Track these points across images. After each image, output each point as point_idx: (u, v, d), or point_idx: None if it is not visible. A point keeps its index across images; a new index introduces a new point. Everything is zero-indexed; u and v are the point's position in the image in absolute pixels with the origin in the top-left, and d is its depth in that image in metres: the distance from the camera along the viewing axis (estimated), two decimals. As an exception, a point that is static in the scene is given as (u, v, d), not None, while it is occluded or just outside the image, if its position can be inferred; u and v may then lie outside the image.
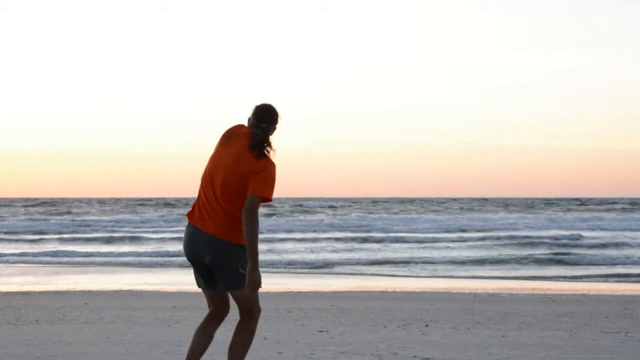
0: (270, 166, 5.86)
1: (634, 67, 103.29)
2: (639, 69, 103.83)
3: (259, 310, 6.03)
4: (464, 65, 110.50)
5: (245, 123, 6.03)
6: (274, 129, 5.98)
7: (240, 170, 5.83)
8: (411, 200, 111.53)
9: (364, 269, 25.53)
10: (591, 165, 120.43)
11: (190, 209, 6.07)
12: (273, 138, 5.97)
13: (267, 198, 5.84)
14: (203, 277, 6.00)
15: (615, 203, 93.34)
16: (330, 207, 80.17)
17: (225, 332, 10.48)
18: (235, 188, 5.83)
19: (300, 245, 33.62)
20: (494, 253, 30.79)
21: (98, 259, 28.78)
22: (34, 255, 30.19)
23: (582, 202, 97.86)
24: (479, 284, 20.54)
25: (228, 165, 5.87)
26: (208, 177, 5.93)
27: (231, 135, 5.96)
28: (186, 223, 6.08)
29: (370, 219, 52.83)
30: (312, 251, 31.43)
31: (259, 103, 6.02)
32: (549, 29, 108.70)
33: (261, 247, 31.26)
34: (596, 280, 22.10)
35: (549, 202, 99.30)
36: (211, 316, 6.09)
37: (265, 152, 5.90)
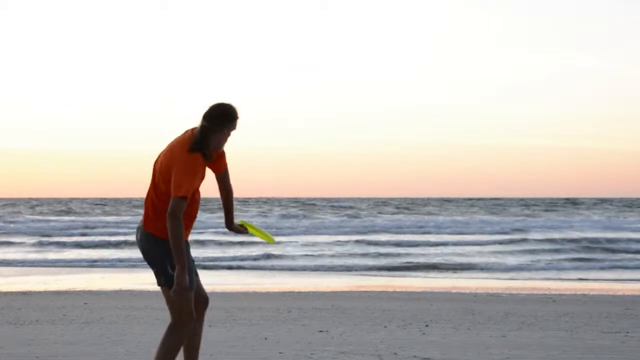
0: (180, 162, 5.73)
1: (634, 67, 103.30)
2: (639, 69, 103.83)
3: (189, 315, 5.93)
4: (463, 65, 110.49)
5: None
6: (218, 128, 5.82)
7: (163, 166, 5.82)
8: (412, 201, 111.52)
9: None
10: (591, 165, 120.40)
11: None
12: (223, 138, 5.84)
13: (180, 196, 5.68)
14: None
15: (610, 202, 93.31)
16: (342, 207, 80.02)
17: (225, 332, 10.50)
18: (160, 183, 5.83)
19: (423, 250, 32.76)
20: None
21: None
22: (36, 261, 30.11)
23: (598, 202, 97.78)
24: (479, 284, 20.53)
25: (158, 159, 5.91)
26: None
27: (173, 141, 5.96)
28: None
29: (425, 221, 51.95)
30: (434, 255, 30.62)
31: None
32: (549, 29, 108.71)
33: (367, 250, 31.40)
34: None
35: (551, 202, 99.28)
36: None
37: (198, 149, 5.78)
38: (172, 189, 5.70)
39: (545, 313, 13.18)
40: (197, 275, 6.02)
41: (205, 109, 5.89)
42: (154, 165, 5.95)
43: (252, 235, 6.26)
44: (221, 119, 5.83)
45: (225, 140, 5.89)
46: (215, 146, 5.86)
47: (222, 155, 6.02)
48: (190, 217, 5.91)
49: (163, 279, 5.90)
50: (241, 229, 6.20)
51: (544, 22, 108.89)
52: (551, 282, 21.55)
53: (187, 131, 5.93)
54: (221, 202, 6.24)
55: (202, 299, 6.08)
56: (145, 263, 6.06)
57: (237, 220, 6.27)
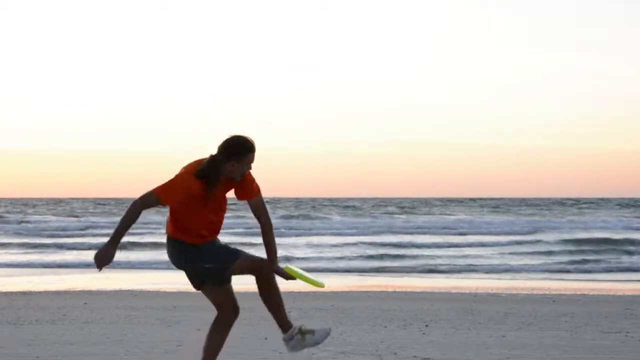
0: (179, 177, 5.90)
1: (634, 67, 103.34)
2: (639, 69, 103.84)
3: (235, 309, 6.29)
4: (463, 65, 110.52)
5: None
6: (226, 159, 5.92)
7: None
8: (412, 201, 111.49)
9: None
10: (591, 165, 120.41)
11: None
12: (238, 170, 5.94)
13: (156, 193, 5.89)
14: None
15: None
16: (346, 206, 79.92)
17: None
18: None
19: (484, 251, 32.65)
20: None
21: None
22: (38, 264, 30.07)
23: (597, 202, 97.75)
24: (479, 283, 20.53)
25: None
26: None
27: None
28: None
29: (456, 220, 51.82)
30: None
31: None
32: (549, 29, 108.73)
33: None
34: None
35: (555, 202, 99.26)
36: (220, 317, 6.25)
37: (201, 177, 5.90)
38: (157, 187, 5.91)
39: (545, 313, 13.17)
40: (229, 280, 6.21)
41: (224, 142, 5.97)
42: None
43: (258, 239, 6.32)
44: (231, 151, 5.91)
45: (239, 170, 5.94)
46: (228, 175, 5.96)
47: (246, 183, 6.06)
48: (197, 229, 6.04)
49: (197, 280, 6.04)
50: (286, 275, 6.20)
51: (544, 22, 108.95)
52: (551, 282, 21.54)
53: (201, 159, 6.06)
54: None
55: (233, 307, 6.28)
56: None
57: (281, 264, 6.27)
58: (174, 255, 6.14)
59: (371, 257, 29.57)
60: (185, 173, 5.89)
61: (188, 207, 5.93)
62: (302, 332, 6.23)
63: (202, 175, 5.87)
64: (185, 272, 6.19)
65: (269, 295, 6.12)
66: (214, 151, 5.95)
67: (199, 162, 5.96)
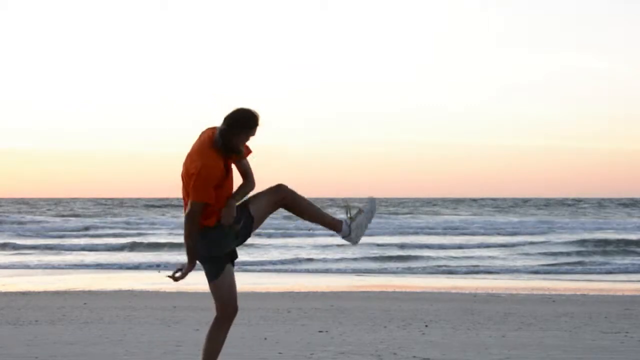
0: (205, 168, 5.87)
1: (634, 67, 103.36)
2: (639, 69, 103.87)
3: (234, 309, 6.22)
4: (463, 65, 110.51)
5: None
6: (237, 132, 5.93)
7: (185, 170, 5.96)
8: (413, 201, 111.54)
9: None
10: (591, 165, 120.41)
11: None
12: (240, 141, 5.95)
13: (197, 201, 5.87)
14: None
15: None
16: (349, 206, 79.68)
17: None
18: (185, 187, 5.98)
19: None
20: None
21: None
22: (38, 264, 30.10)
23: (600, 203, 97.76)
24: (478, 283, 20.53)
25: (184, 164, 6.01)
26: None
27: (199, 137, 6.06)
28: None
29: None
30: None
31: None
32: (549, 29, 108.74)
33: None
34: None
35: (561, 202, 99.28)
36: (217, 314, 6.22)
37: (226, 151, 5.93)
38: (192, 195, 5.86)
39: (545, 313, 13.17)
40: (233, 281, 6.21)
41: (229, 110, 5.98)
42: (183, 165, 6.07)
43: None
44: (240, 124, 5.94)
45: (243, 143, 6.00)
46: (236, 146, 5.98)
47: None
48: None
49: (220, 265, 6.07)
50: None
51: (544, 22, 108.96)
52: (551, 282, 21.53)
53: (205, 131, 6.03)
54: None
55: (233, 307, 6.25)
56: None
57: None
58: (214, 243, 6.01)
59: (375, 258, 29.51)
60: (200, 157, 5.88)
61: (219, 186, 5.96)
62: (353, 219, 6.29)
63: (221, 145, 5.91)
64: (213, 259, 6.07)
65: (303, 210, 6.15)
66: (221, 124, 5.96)
67: (207, 139, 5.97)
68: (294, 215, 6.26)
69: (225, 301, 6.19)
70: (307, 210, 6.17)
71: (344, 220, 6.27)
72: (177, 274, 6.04)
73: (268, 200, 6.12)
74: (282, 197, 6.13)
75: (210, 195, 5.87)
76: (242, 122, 5.94)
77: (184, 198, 6.03)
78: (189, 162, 5.94)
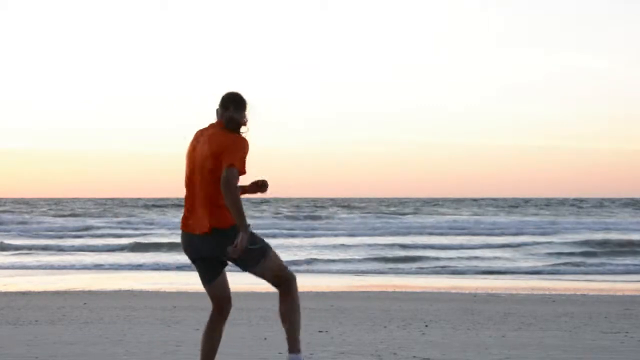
0: (239, 139, 5.88)
1: (634, 67, 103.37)
2: (639, 69, 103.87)
3: (287, 270, 6.20)
4: (463, 65, 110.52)
5: (214, 115, 6.09)
6: (243, 115, 6.00)
7: (212, 153, 5.86)
8: (413, 201, 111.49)
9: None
10: (591, 165, 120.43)
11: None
12: (245, 122, 6.01)
13: (239, 169, 5.81)
14: (208, 272, 6.06)
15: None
16: (352, 207, 79.87)
17: (224, 332, 10.47)
18: (214, 174, 5.87)
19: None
20: None
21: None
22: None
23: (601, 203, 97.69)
24: (478, 283, 20.53)
25: (204, 155, 5.91)
26: (188, 180, 6.01)
27: (201, 135, 6.03)
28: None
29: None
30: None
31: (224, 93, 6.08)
32: (549, 29, 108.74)
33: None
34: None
35: (561, 202, 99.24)
36: (216, 313, 6.17)
37: (236, 130, 5.96)
38: (231, 160, 5.77)
39: (545, 313, 13.17)
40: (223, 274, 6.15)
41: (224, 98, 6.04)
42: (191, 174, 5.98)
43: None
44: (242, 104, 6.04)
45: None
46: (244, 124, 6.05)
47: None
48: None
49: (254, 258, 5.99)
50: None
51: (544, 22, 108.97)
52: (551, 282, 21.53)
53: (213, 125, 6.04)
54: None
55: (228, 297, 6.23)
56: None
57: None
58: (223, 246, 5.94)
59: (375, 258, 29.46)
60: (231, 131, 5.90)
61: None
62: None
63: (236, 127, 5.96)
64: (213, 263, 6.05)
65: (287, 308, 6.36)
66: (222, 109, 6.00)
67: (213, 130, 5.97)
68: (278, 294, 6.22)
69: (220, 295, 6.18)
70: (290, 311, 6.13)
71: (302, 357, 6.37)
72: (233, 249, 5.85)
73: (276, 269, 6.09)
74: (286, 280, 6.14)
75: (245, 167, 5.86)
76: (241, 102, 6.02)
77: (193, 178, 5.91)
78: (217, 140, 5.86)
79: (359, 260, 28.54)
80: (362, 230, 44.90)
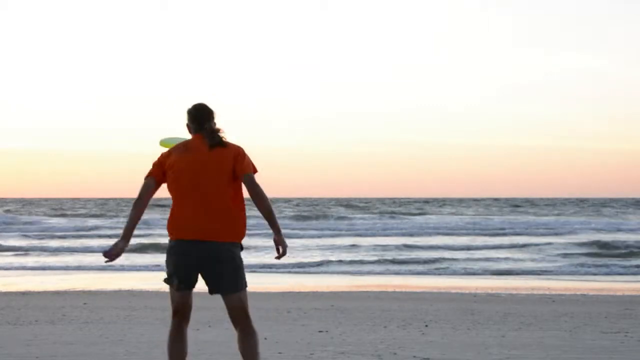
0: (238, 147, 5.99)
1: (634, 67, 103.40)
2: (639, 69, 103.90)
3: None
4: (464, 65, 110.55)
5: (185, 129, 6.16)
6: (214, 123, 6.07)
7: (222, 169, 5.89)
8: (412, 201, 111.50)
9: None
10: (591, 165, 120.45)
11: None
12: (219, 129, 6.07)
13: (256, 171, 5.99)
14: (189, 279, 6.01)
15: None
16: (350, 206, 79.95)
17: (224, 332, 10.49)
18: (229, 185, 5.92)
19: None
20: None
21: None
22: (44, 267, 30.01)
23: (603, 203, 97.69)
24: (478, 283, 20.52)
25: (208, 168, 5.93)
26: (189, 186, 5.98)
27: (187, 146, 6.07)
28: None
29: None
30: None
31: (188, 107, 6.14)
32: (549, 29, 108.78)
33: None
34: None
35: (561, 202, 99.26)
36: (183, 320, 6.09)
37: (224, 140, 6.00)
38: (251, 168, 5.92)
39: (545, 313, 13.17)
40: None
41: (194, 114, 6.10)
42: (195, 179, 5.96)
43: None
44: (212, 115, 6.12)
45: None
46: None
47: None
48: None
49: (242, 282, 5.96)
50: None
51: (544, 22, 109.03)
52: (551, 282, 21.52)
53: (194, 139, 6.08)
54: None
55: (190, 303, 6.16)
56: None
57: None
58: (240, 259, 6.00)
59: (375, 258, 29.42)
60: (224, 143, 5.97)
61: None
62: None
63: (220, 137, 6.02)
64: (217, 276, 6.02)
65: (246, 347, 6.02)
66: (196, 125, 6.07)
67: (199, 144, 6.00)
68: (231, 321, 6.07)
69: (187, 307, 6.13)
70: (255, 347, 5.96)
71: None
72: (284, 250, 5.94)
73: (247, 304, 6.00)
74: (248, 317, 5.98)
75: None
76: (211, 114, 6.11)
77: (224, 203, 5.90)
78: (223, 154, 5.90)
79: (354, 260, 28.47)
80: (358, 230, 44.84)
